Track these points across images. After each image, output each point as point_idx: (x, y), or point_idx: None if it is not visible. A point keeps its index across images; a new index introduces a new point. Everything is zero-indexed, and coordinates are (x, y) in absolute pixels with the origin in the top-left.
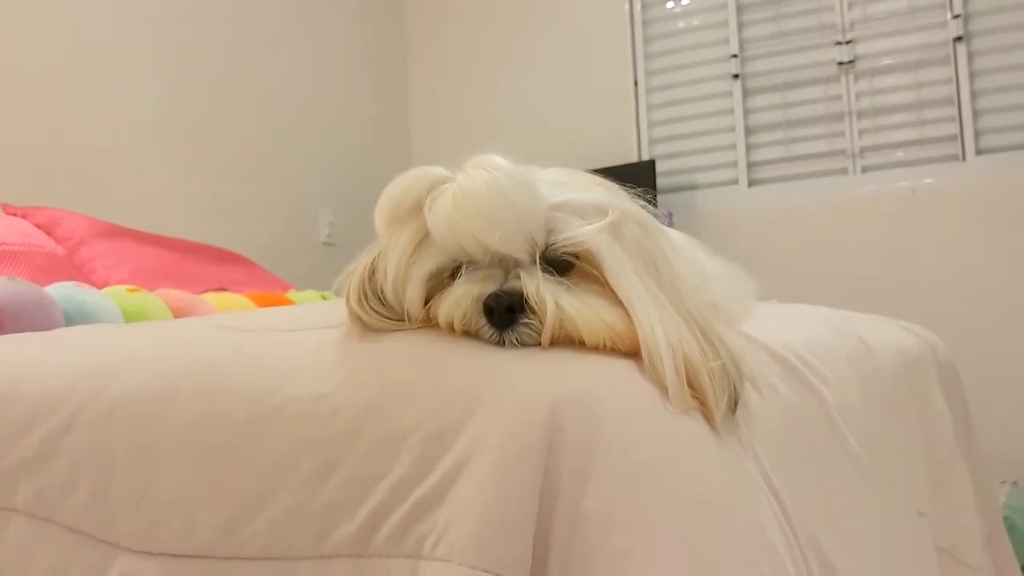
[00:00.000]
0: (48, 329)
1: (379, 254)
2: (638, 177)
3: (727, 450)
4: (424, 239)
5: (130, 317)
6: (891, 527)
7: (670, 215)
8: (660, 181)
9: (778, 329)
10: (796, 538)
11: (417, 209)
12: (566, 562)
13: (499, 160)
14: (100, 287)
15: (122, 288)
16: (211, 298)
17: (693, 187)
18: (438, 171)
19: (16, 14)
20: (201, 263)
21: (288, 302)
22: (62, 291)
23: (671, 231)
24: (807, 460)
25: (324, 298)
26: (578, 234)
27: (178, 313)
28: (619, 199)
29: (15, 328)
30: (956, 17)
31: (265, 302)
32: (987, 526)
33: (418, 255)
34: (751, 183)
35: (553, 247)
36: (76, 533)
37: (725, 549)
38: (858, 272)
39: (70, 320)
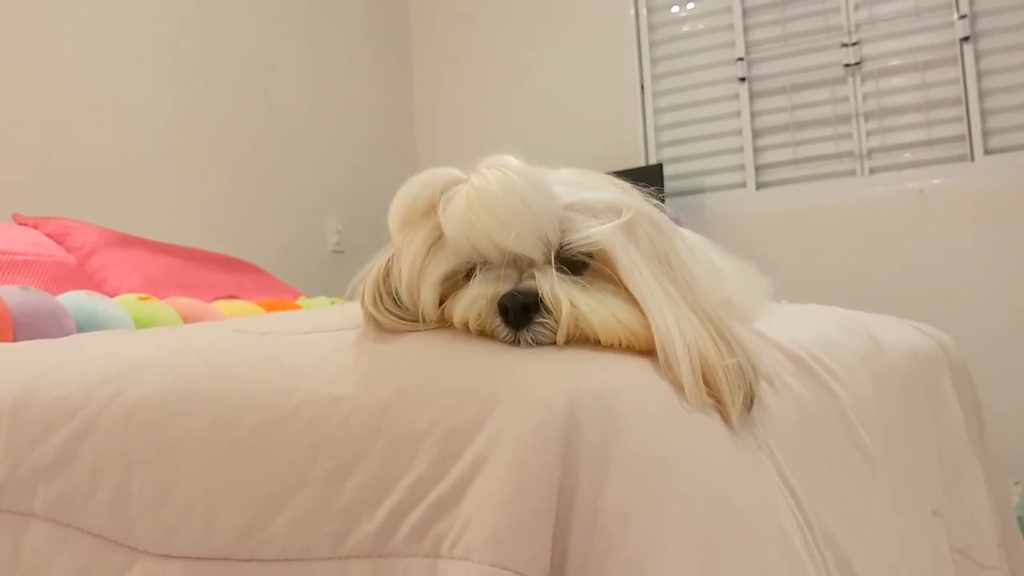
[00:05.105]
0: (60, 337)
1: (393, 255)
2: (646, 181)
3: (744, 448)
4: (438, 240)
5: (141, 325)
6: (906, 526)
7: (678, 219)
8: (668, 185)
9: (790, 327)
10: (813, 535)
11: (431, 210)
12: (585, 558)
13: (512, 160)
14: (111, 296)
15: (133, 296)
16: (222, 306)
17: (701, 190)
18: (452, 172)
19: (31, 34)
20: (212, 271)
21: (298, 309)
22: (74, 300)
23: (684, 230)
24: (822, 458)
25: (334, 304)
26: (592, 233)
27: (189, 321)
28: (632, 198)
29: (27, 337)
30: (963, 17)
31: (275, 309)
32: (1001, 526)
33: (432, 256)
34: (759, 186)
35: (567, 247)
36: (96, 537)
37: (744, 545)
38: (867, 273)
39: (82, 329)
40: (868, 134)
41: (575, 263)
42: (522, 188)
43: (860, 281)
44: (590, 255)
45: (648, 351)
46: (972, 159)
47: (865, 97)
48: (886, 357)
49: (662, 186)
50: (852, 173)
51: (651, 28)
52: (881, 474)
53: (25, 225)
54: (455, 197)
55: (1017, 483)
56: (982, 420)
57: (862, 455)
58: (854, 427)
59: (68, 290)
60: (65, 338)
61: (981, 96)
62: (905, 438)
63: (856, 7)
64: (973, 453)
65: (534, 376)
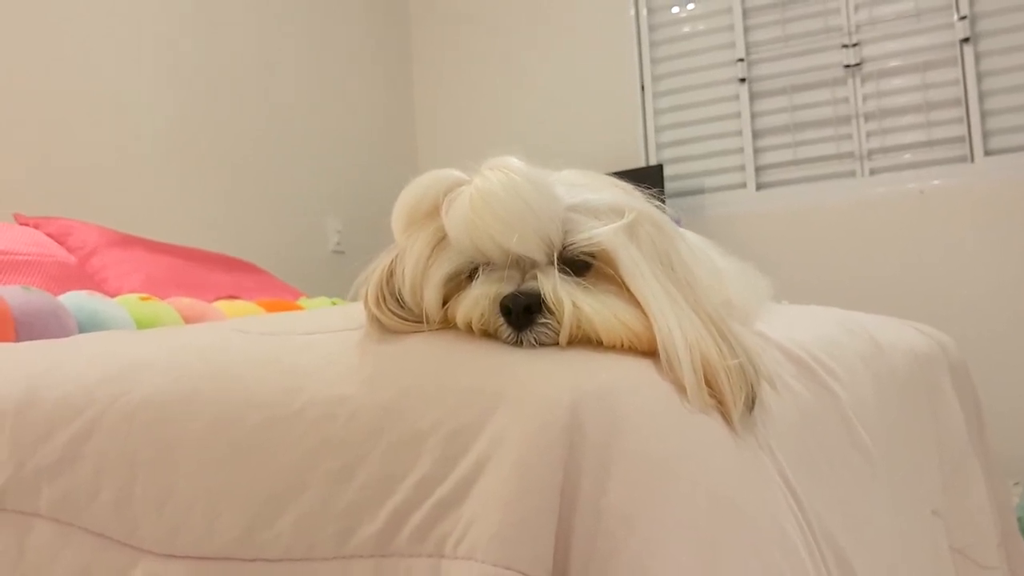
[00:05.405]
0: (62, 337)
1: (397, 256)
2: (646, 181)
3: (745, 448)
4: (441, 241)
5: (142, 325)
6: (907, 526)
7: (679, 219)
8: (668, 185)
9: (791, 328)
10: (814, 535)
11: (434, 211)
12: (588, 559)
13: (515, 162)
14: (112, 296)
15: (134, 296)
16: (223, 306)
17: (701, 191)
18: (455, 174)
19: (31, 34)
20: (213, 271)
21: (299, 309)
22: (75, 300)
23: (685, 231)
24: (823, 458)
25: (334, 304)
26: (594, 234)
27: (190, 321)
28: (635, 200)
29: (29, 337)
30: (963, 18)
31: (276, 310)
32: (1001, 526)
33: (435, 257)
34: (759, 186)
35: (570, 247)
36: (99, 537)
37: (745, 546)
38: (867, 274)
39: (83, 329)
40: (868, 135)
41: (577, 264)
42: (525, 190)
43: (860, 282)
44: (592, 256)
45: (650, 352)
46: (972, 160)
47: (865, 98)
48: (886, 358)
49: (662, 187)
50: (852, 174)
51: (651, 29)
52: (881, 474)
53: (26, 225)
54: (458, 199)
55: (1017, 483)
56: (982, 420)
57: (862, 455)
58: (854, 427)
59: (69, 290)
60: (67, 338)
61: (981, 97)
62: (905, 438)
63: (856, 8)
64: (973, 453)
65: (537, 376)
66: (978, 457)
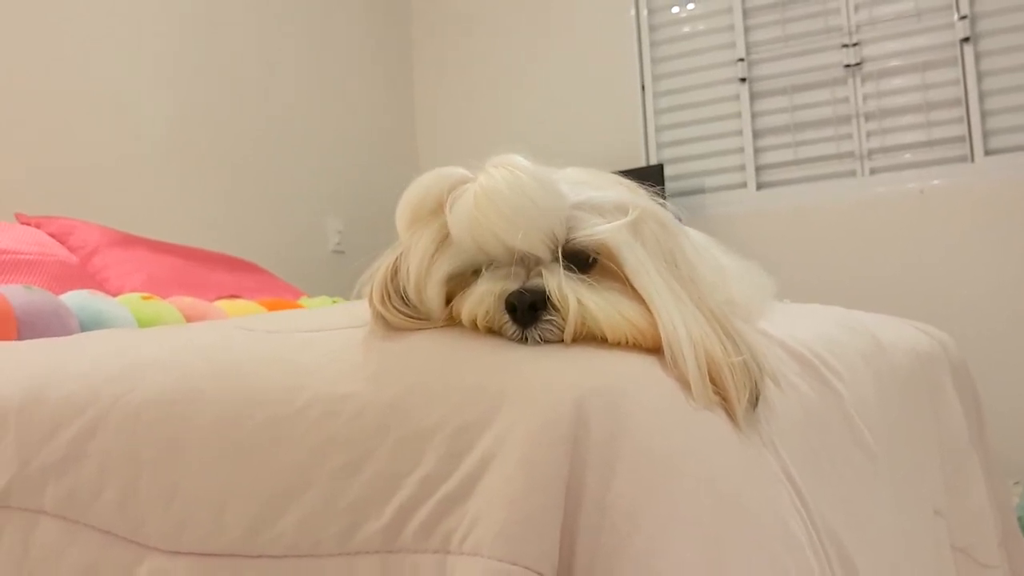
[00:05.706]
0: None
1: (401, 254)
2: (647, 181)
3: (749, 445)
4: (446, 238)
5: (144, 325)
6: (909, 525)
7: (679, 219)
8: (668, 185)
9: (793, 326)
10: (817, 533)
11: (438, 209)
12: (593, 555)
13: (520, 160)
14: (114, 295)
15: (136, 296)
16: (224, 305)
17: (702, 191)
18: (459, 171)
19: (31, 34)
20: (214, 271)
21: (300, 308)
22: (77, 299)
23: (689, 229)
24: (826, 456)
25: (336, 304)
26: (598, 231)
27: (192, 320)
28: (639, 197)
29: (31, 336)
30: (963, 18)
31: (277, 309)
32: (1002, 525)
33: (440, 254)
34: (760, 186)
35: (573, 242)
36: (105, 534)
37: (749, 543)
38: (868, 274)
39: (85, 328)
40: (868, 135)
41: (582, 261)
42: (530, 187)
43: (861, 281)
44: (597, 253)
45: (654, 349)
46: (972, 160)
47: (865, 98)
48: (887, 356)
49: (663, 186)
50: (852, 174)
51: (652, 29)
52: (884, 473)
53: (28, 225)
54: (463, 196)
55: (1017, 483)
56: (982, 420)
57: (865, 454)
58: (857, 426)
59: (71, 289)
60: (69, 337)
61: (981, 97)
62: (907, 437)
63: (856, 8)
64: (974, 453)
65: (541, 374)
66: (979, 456)
